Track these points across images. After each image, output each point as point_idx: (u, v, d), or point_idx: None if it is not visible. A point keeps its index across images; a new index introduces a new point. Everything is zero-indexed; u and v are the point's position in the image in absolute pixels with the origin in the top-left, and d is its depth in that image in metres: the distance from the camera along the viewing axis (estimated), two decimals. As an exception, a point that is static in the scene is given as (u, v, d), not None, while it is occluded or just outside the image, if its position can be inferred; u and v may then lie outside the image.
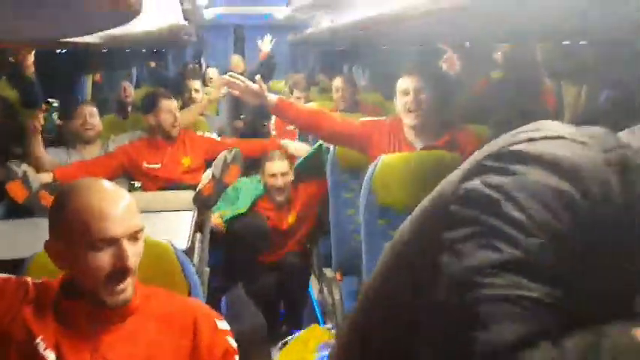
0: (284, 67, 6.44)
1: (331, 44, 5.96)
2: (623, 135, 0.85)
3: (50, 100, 3.08)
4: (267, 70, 5.93)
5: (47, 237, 1.36)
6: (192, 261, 1.88)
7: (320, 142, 3.22)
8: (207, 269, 2.88)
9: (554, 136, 0.83)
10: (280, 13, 6.78)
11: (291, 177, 3.27)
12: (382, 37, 3.53)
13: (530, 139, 0.83)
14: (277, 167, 3.22)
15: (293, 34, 7.10)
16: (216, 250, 3.21)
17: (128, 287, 1.33)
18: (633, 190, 0.79)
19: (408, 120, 2.58)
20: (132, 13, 1.43)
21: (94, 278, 1.30)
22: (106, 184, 1.38)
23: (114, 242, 1.30)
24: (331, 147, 2.98)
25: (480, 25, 2.20)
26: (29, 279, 1.38)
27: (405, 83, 2.59)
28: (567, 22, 1.70)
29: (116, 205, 1.32)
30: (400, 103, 2.60)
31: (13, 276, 1.39)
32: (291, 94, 4.82)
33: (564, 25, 1.77)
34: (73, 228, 1.30)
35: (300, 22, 7.11)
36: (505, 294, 0.75)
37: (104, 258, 1.29)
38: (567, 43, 2.20)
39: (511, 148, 0.83)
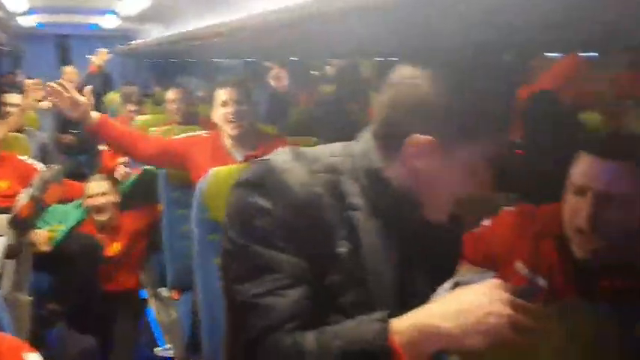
0: (115, 79, 6.15)
1: (164, 56, 5.84)
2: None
3: None
4: (100, 84, 5.60)
5: None
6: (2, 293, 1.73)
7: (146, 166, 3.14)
8: (29, 298, 2.66)
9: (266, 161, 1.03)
10: (108, 23, 6.48)
11: (113, 198, 3.09)
12: (211, 50, 3.54)
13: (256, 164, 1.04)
14: (95, 188, 3.04)
15: (122, 45, 6.83)
16: (43, 274, 2.95)
17: None
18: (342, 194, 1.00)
19: (229, 130, 2.63)
20: None
21: None
22: None
23: None
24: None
25: (308, 42, 2.30)
26: None
27: (224, 94, 2.65)
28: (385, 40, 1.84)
29: None
30: (220, 113, 2.65)
31: None
32: (124, 106, 4.64)
33: (383, 42, 1.90)
34: None
35: (130, 33, 6.88)
36: (253, 295, 0.97)
37: None
38: (382, 59, 2.37)
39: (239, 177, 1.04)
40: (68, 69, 6.05)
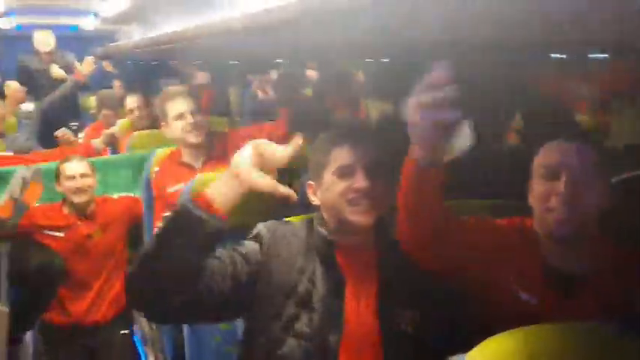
0: (93, 82, 6.02)
1: (144, 58, 5.75)
2: None
3: None
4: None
5: None
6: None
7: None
8: (6, 309, 2.56)
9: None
10: (88, 24, 6.37)
11: (92, 180, 2.92)
12: (193, 52, 3.47)
13: None
14: (75, 168, 2.86)
15: (102, 47, 6.71)
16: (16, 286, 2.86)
17: None
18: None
19: (190, 139, 2.67)
20: None
21: None
22: None
23: None
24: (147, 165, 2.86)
25: (293, 44, 2.25)
26: None
27: (178, 107, 2.67)
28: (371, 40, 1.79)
29: None
30: (176, 126, 2.67)
31: None
32: (100, 111, 4.53)
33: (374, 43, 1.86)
34: None
35: (110, 35, 6.76)
36: None
37: None
38: (370, 60, 2.33)
39: None
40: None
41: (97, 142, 3.67)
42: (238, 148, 2.65)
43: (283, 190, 1.31)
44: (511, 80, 2.03)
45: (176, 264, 1.29)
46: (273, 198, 1.31)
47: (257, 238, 1.47)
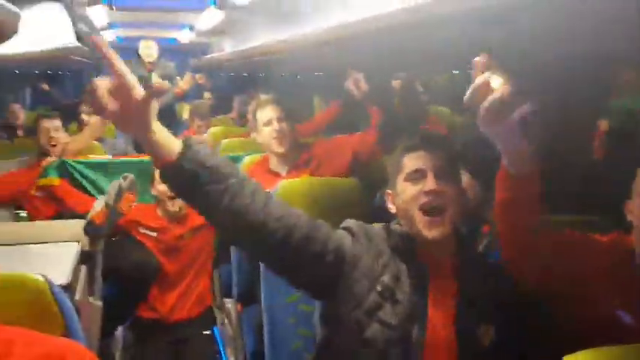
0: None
1: (236, 70, 5.96)
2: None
3: None
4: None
5: None
6: (73, 297, 1.75)
7: None
8: (99, 304, 2.71)
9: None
10: (184, 37, 6.68)
11: None
12: (281, 64, 3.56)
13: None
14: None
15: (197, 59, 7.02)
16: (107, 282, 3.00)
17: None
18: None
19: (275, 147, 2.72)
20: (2, 35, 1.34)
21: None
22: None
23: None
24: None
25: (376, 56, 2.27)
26: None
27: (266, 114, 2.73)
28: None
29: None
30: (264, 133, 2.73)
31: None
32: (193, 121, 4.74)
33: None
34: None
35: (204, 47, 7.07)
36: None
37: None
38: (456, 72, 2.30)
39: None
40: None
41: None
42: (327, 156, 2.71)
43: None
44: (596, 91, 1.95)
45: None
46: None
47: (349, 230, 1.51)
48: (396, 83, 3.93)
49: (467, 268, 1.48)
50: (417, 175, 1.46)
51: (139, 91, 1.11)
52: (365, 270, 1.45)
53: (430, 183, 1.43)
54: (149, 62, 5.94)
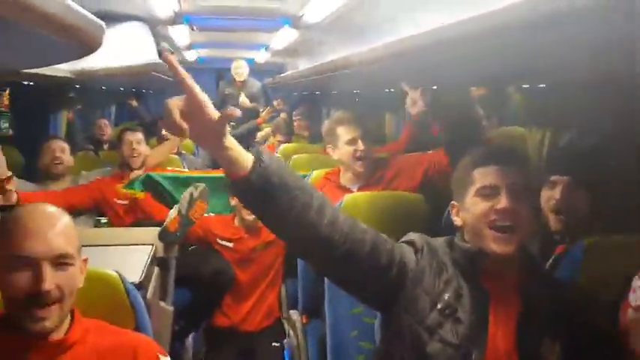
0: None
1: (307, 88, 6.06)
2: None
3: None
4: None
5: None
6: (145, 294, 1.83)
7: None
8: (171, 308, 2.81)
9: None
10: (260, 57, 6.87)
11: None
12: (352, 80, 3.59)
13: None
14: None
15: (271, 78, 7.20)
16: (184, 289, 3.11)
17: (51, 316, 1.28)
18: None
19: (356, 167, 2.70)
20: (88, 47, 1.44)
21: (12, 301, 1.27)
22: (48, 207, 1.36)
23: (33, 263, 1.26)
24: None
25: (448, 69, 2.26)
26: None
27: (349, 132, 2.70)
28: (530, 65, 1.75)
29: (44, 224, 1.29)
30: (345, 151, 2.71)
31: None
32: (273, 137, 4.89)
33: (527, 67, 1.81)
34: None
35: (279, 66, 7.25)
36: None
37: (20, 278, 1.25)
38: (527, 86, 2.25)
39: None
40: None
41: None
42: (400, 173, 2.69)
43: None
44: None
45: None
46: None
47: (412, 245, 1.50)
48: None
49: (532, 285, 1.45)
50: (488, 191, 1.43)
51: (211, 111, 1.14)
52: (427, 286, 1.44)
53: (503, 201, 1.39)
54: (239, 81, 6.19)
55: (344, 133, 2.71)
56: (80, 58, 1.65)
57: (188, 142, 5.04)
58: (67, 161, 3.48)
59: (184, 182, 3.29)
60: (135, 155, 3.44)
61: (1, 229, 1.30)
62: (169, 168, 3.72)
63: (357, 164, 2.70)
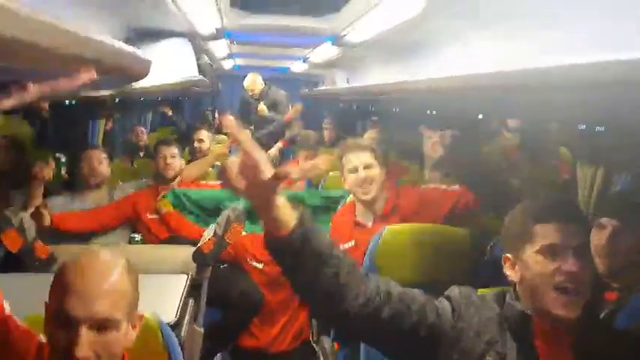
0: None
1: (347, 102, 6.04)
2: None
3: (58, 154, 3.11)
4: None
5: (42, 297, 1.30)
6: (180, 333, 1.79)
7: None
8: (201, 330, 2.78)
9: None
10: (297, 67, 6.86)
11: None
12: (395, 102, 3.53)
13: None
14: None
15: (307, 89, 7.18)
16: (211, 309, 3.08)
17: None
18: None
19: (360, 195, 2.61)
20: (136, 78, 1.41)
21: (55, 352, 1.24)
22: (103, 258, 1.29)
23: (72, 324, 1.20)
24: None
25: (491, 101, 2.19)
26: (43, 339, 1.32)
27: (353, 161, 2.61)
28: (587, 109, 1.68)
29: (91, 282, 1.23)
30: (350, 179, 2.63)
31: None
32: (302, 150, 4.81)
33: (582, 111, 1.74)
34: (50, 294, 1.26)
35: (315, 77, 7.24)
36: None
37: (59, 337, 1.21)
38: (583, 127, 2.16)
39: None
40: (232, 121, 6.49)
41: (294, 173, 3.85)
42: (419, 207, 2.61)
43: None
44: None
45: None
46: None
47: (450, 300, 1.44)
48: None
49: (587, 338, 1.37)
50: (552, 250, 1.35)
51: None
52: (465, 347, 1.38)
53: (571, 264, 1.32)
54: (253, 92, 6.24)
55: (347, 161, 2.64)
56: (129, 83, 1.63)
57: (225, 156, 5.03)
58: (105, 172, 3.48)
59: (215, 199, 3.25)
60: (169, 170, 3.44)
61: (55, 279, 1.26)
62: (203, 182, 3.70)
63: (359, 192, 2.61)
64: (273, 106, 6.28)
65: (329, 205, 3.22)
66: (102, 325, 1.22)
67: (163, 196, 3.29)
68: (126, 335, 1.28)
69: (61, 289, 1.23)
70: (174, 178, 3.47)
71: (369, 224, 2.63)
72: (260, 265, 3.12)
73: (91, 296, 1.21)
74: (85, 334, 1.19)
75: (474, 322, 1.40)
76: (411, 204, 2.63)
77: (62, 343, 1.20)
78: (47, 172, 3.06)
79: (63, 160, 3.20)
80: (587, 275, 1.34)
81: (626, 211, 1.73)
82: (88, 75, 1.09)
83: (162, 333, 1.51)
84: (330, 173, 4.01)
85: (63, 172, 3.23)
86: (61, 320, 1.21)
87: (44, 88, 1.11)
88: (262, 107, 6.22)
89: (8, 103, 1.15)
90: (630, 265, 1.71)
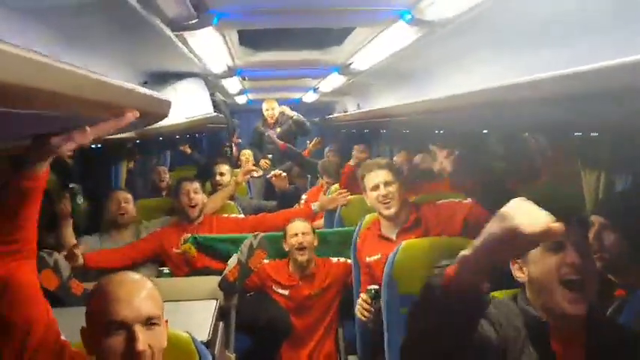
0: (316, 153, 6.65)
1: (358, 127, 6.15)
2: None
3: (71, 185, 3.27)
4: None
5: (79, 327, 1.48)
6: (213, 352, 1.89)
7: None
8: (233, 356, 2.87)
9: None
10: (309, 97, 7.01)
11: (313, 238, 3.22)
12: (404, 125, 3.64)
13: None
14: (300, 227, 3.22)
15: (321, 118, 7.33)
16: (241, 336, 3.17)
17: None
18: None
19: (382, 210, 2.78)
20: (157, 120, 1.54)
21: None
22: (133, 275, 1.52)
23: (126, 326, 1.39)
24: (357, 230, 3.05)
25: (497, 115, 2.28)
26: None
27: (373, 179, 2.79)
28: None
29: (132, 291, 1.43)
30: (372, 197, 2.80)
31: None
32: (322, 178, 4.92)
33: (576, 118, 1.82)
34: (93, 312, 1.43)
35: (326, 105, 7.39)
36: None
37: (117, 342, 1.38)
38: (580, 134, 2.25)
39: None
40: (247, 153, 6.65)
41: (315, 206, 3.97)
42: (438, 220, 2.70)
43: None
44: None
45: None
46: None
47: (490, 320, 1.45)
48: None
49: (597, 336, 1.44)
50: (555, 246, 1.42)
51: None
52: (507, 352, 1.42)
53: (572, 255, 1.39)
54: (270, 118, 6.36)
55: (368, 180, 2.82)
56: (150, 125, 1.75)
57: (242, 185, 5.17)
58: (131, 211, 3.63)
59: (234, 241, 3.34)
60: (193, 205, 3.57)
61: (94, 300, 1.45)
62: (225, 215, 3.82)
63: (382, 207, 2.78)
64: (286, 132, 6.35)
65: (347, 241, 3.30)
66: (149, 322, 1.42)
67: (185, 241, 3.42)
68: (164, 333, 1.47)
69: (104, 302, 1.41)
70: (200, 215, 3.62)
71: (394, 237, 2.79)
72: (286, 292, 3.22)
73: (136, 299, 1.42)
74: (140, 331, 1.39)
75: (509, 330, 1.44)
76: (432, 216, 2.79)
77: (118, 349, 1.38)
78: (65, 203, 3.22)
79: (77, 188, 3.35)
80: (589, 267, 1.41)
81: (621, 210, 1.81)
82: (133, 115, 1.26)
83: (197, 349, 1.62)
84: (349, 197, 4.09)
85: (80, 201, 3.36)
86: (114, 328, 1.39)
87: (98, 130, 1.28)
88: (274, 137, 6.29)
89: (71, 146, 1.32)
90: (630, 261, 1.78)
